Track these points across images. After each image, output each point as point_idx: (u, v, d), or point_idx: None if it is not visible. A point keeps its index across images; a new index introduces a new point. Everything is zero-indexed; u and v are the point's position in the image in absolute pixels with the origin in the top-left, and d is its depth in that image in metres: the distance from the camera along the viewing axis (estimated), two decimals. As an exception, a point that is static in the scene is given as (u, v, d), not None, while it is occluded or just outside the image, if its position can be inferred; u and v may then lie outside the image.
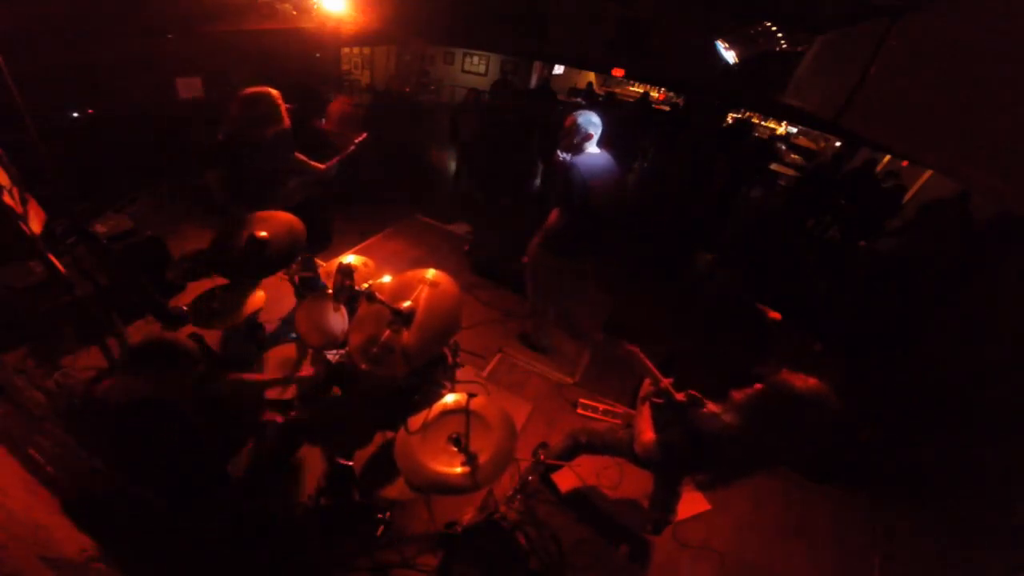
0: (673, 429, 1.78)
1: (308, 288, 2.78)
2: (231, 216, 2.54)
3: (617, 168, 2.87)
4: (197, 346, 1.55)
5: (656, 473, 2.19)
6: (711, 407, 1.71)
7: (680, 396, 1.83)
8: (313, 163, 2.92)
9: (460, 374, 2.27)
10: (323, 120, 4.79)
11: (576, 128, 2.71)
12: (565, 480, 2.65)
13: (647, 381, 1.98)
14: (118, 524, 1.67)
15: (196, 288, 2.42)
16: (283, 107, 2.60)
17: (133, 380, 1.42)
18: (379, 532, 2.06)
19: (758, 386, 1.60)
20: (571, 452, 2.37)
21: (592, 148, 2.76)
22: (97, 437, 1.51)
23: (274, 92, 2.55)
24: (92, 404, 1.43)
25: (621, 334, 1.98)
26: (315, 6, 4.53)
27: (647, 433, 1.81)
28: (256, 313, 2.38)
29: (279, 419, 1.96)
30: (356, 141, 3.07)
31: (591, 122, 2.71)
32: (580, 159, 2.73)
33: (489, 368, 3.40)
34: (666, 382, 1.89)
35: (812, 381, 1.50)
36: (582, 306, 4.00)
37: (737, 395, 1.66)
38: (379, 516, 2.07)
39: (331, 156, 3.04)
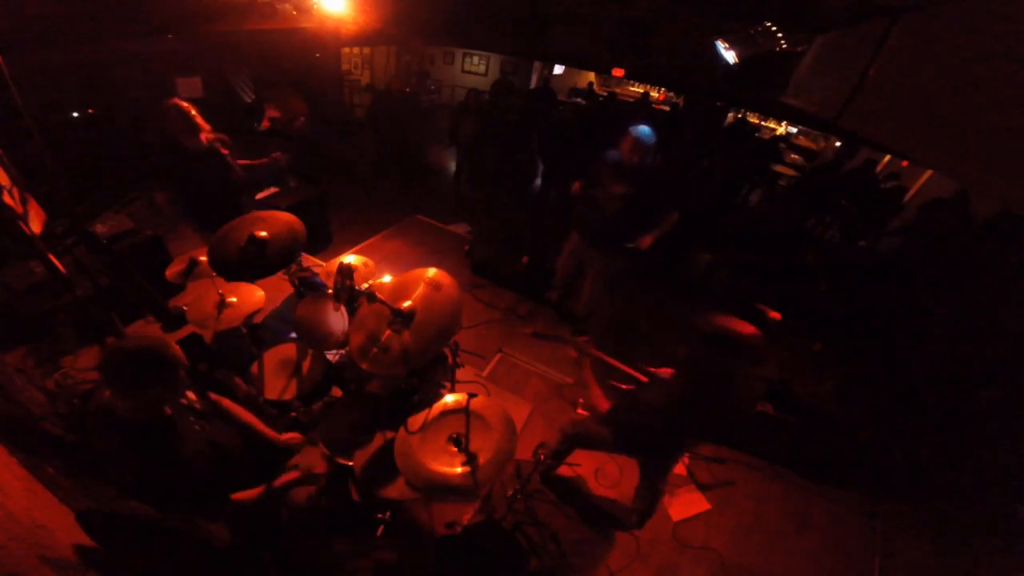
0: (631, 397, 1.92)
1: (308, 288, 2.78)
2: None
3: None
4: (179, 351, 1.36)
5: (641, 462, 2.27)
6: (661, 371, 1.83)
7: (644, 378, 1.95)
8: (255, 161, 2.96)
9: (460, 374, 2.27)
10: (262, 124, 4.75)
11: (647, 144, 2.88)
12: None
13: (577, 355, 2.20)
14: (118, 525, 1.67)
15: (196, 288, 2.42)
16: (194, 115, 2.59)
17: (119, 398, 1.28)
18: (379, 532, 2.06)
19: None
20: (565, 448, 2.41)
21: None
22: (102, 442, 1.45)
23: (178, 103, 2.55)
24: (98, 411, 1.36)
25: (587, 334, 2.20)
26: (315, 6, 4.52)
27: (602, 404, 1.94)
28: (256, 313, 2.38)
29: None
30: (294, 125, 3.09)
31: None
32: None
33: (489, 368, 3.40)
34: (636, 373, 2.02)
35: (746, 326, 1.57)
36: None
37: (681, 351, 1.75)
38: (379, 516, 2.07)
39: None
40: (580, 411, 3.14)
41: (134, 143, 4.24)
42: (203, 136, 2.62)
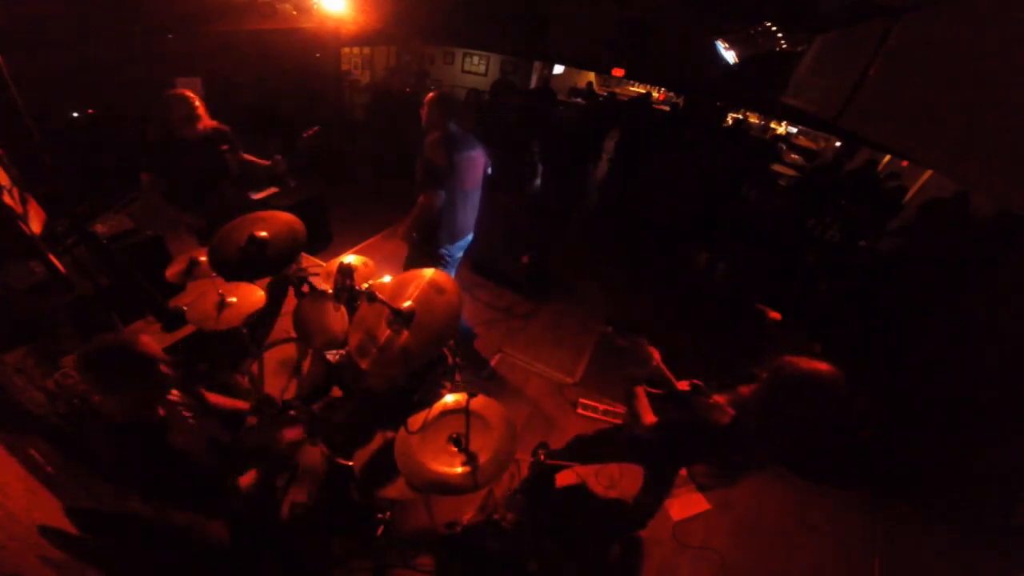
0: (675, 414, 1.72)
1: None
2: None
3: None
4: (151, 346, 1.32)
5: (649, 470, 2.20)
6: (716, 398, 1.65)
7: (683, 385, 1.79)
8: (259, 160, 2.95)
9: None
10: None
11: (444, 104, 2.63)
12: (564, 479, 2.65)
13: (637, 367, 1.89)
14: (116, 525, 1.67)
15: (196, 288, 2.42)
16: (201, 106, 2.63)
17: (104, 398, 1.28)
18: (379, 532, 2.06)
19: (763, 374, 1.53)
20: (566, 463, 2.39)
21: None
22: (100, 442, 1.45)
23: (190, 94, 2.60)
24: (91, 413, 1.35)
25: (630, 328, 1.88)
26: (315, 6, 4.52)
27: (648, 416, 1.73)
28: (256, 313, 2.37)
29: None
30: (305, 135, 3.06)
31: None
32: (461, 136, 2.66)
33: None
34: (668, 372, 1.87)
35: (822, 364, 1.44)
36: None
37: (744, 389, 1.61)
38: (379, 516, 2.07)
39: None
40: (580, 411, 3.14)
41: (134, 142, 4.24)
42: (200, 125, 2.64)
